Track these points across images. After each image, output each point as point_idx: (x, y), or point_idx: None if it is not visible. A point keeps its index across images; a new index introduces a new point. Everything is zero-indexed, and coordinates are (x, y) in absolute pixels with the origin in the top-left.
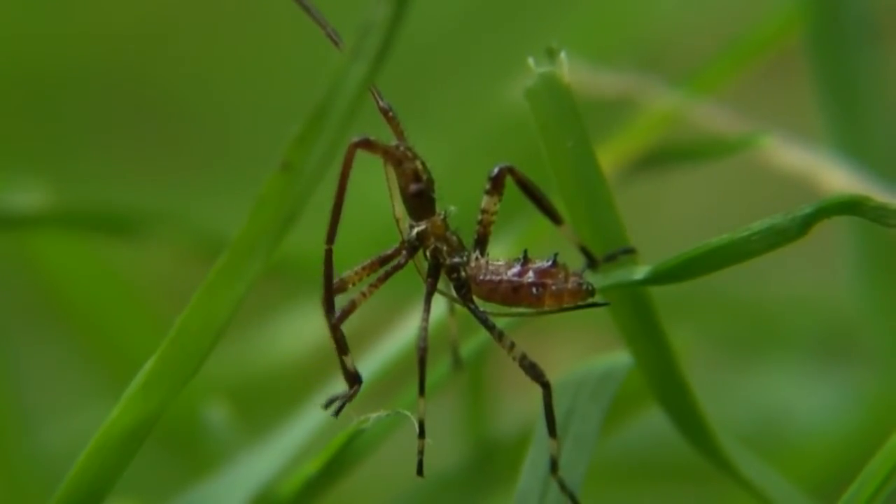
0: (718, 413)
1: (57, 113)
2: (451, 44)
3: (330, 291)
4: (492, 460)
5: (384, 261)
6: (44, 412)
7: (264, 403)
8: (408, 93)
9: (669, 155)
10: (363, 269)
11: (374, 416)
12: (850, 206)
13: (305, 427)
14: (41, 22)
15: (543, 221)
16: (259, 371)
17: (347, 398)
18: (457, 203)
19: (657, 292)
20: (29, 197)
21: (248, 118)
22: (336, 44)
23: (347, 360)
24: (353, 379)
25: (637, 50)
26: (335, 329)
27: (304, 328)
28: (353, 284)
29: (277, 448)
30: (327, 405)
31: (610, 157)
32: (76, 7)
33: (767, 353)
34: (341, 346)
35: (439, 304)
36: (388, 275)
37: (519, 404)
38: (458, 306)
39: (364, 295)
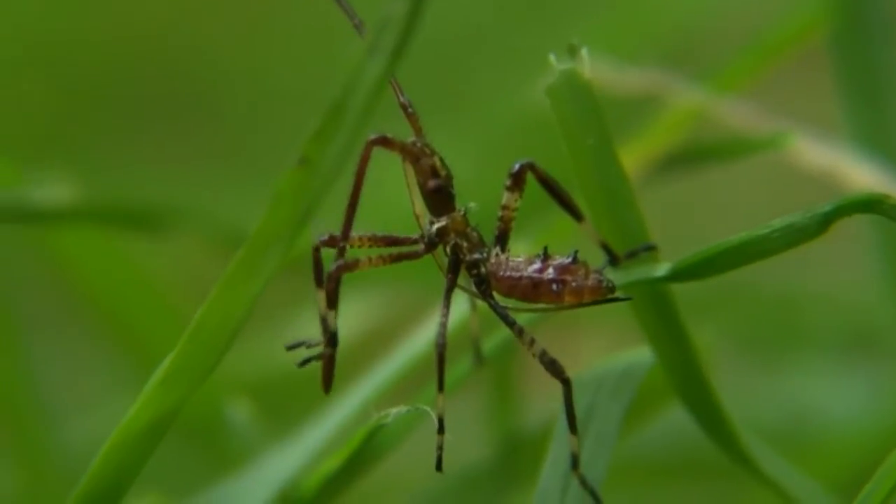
0: (744, 411)
1: (81, 109)
2: (474, 41)
3: (332, 280)
4: (513, 457)
5: (397, 241)
6: (68, 407)
7: (288, 401)
8: (430, 89)
9: (694, 154)
10: (372, 238)
11: (394, 411)
12: (869, 205)
13: (328, 424)
14: (69, 22)
15: (564, 218)
16: (282, 368)
17: (318, 357)
18: (478, 201)
19: (681, 290)
20: (53, 191)
21: (273, 113)
22: (362, 35)
23: (332, 315)
24: (331, 340)
25: (661, 47)
26: (332, 279)
27: None
28: (353, 246)
29: (300, 445)
30: (291, 348)
31: (634, 156)
32: (102, 7)
33: (793, 351)
34: (332, 299)
35: (460, 302)
36: (400, 257)
37: (541, 401)
38: (479, 303)
39: (370, 261)
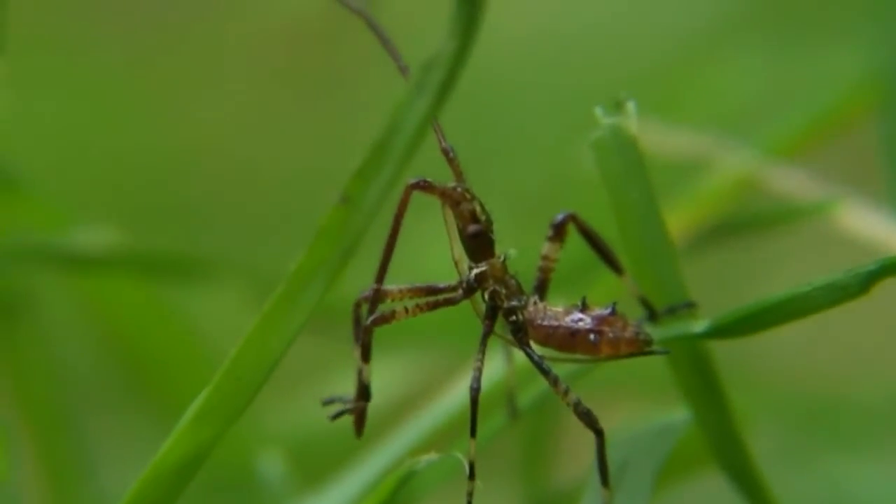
0: (779, 488)
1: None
2: (518, 93)
3: (366, 333)
4: None
5: (435, 291)
6: (104, 457)
7: (321, 458)
8: (470, 140)
9: (741, 221)
10: (409, 290)
11: (426, 458)
12: None
13: (361, 477)
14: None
15: (604, 273)
16: (316, 427)
17: (351, 410)
18: (519, 252)
19: (725, 363)
20: (95, 237)
21: (316, 169)
22: (406, 78)
23: (366, 369)
24: (364, 393)
25: (709, 112)
26: (367, 332)
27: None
28: (391, 300)
29: (332, 497)
30: (327, 403)
31: (680, 221)
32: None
33: (833, 434)
34: (365, 353)
35: (497, 356)
36: (438, 304)
37: (574, 458)
38: (514, 356)
39: (406, 311)
